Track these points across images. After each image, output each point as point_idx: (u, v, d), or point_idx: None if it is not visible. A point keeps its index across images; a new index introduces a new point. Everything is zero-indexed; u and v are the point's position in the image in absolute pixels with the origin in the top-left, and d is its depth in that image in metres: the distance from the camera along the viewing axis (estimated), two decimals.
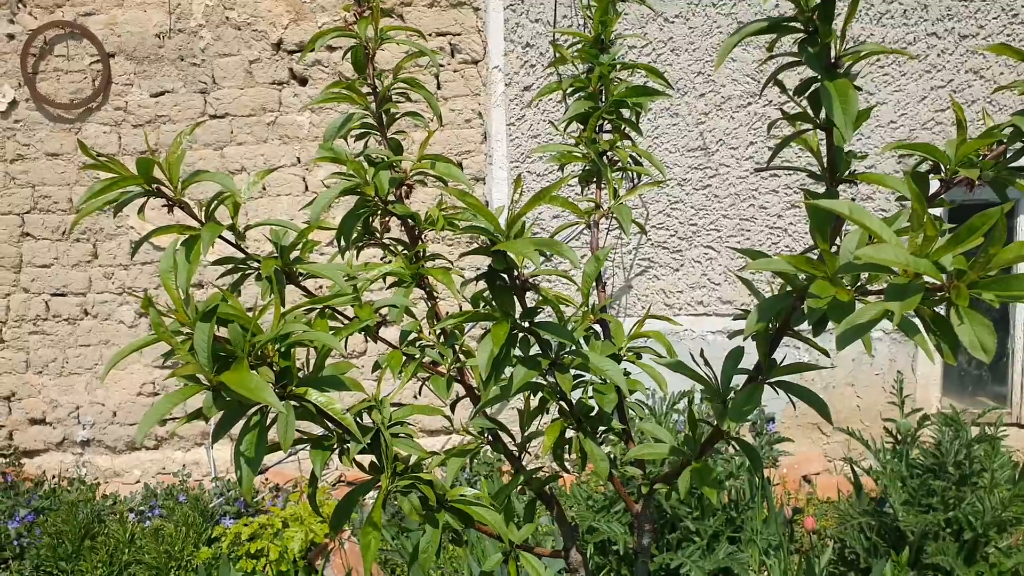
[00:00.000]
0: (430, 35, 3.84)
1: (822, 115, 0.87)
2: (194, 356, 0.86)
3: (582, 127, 1.52)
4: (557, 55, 1.55)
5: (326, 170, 3.93)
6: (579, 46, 1.54)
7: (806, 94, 0.90)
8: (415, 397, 3.72)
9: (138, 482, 4.18)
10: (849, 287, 0.78)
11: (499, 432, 1.35)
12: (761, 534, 2.82)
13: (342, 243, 1.34)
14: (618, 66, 1.52)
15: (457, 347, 1.37)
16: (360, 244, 1.42)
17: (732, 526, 2.83)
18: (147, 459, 4.20)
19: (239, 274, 1.17)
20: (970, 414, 2.99)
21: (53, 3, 3.90)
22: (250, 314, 0.97)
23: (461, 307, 1.43)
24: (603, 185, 1.50)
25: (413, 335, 1.35)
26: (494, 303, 1.15)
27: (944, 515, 2.51)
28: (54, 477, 4.14)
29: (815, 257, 0.90)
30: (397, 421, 1.13)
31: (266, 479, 3.95)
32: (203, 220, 1.11)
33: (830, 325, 0.80)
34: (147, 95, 3.93)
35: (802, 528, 2.88)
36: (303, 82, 3.90)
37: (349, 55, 1.42)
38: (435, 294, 1.41)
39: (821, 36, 0.77)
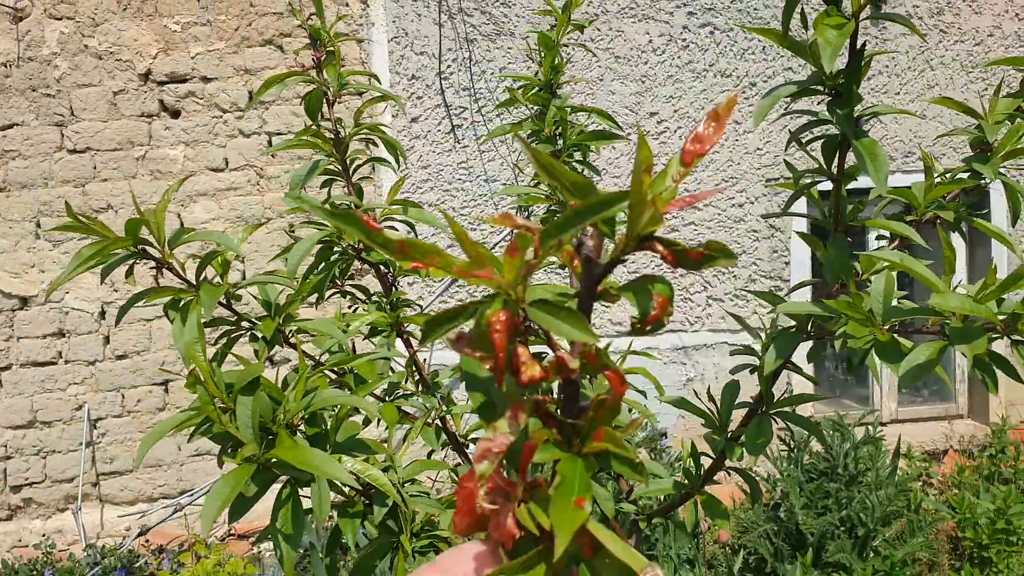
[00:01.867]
0: (300, 64, 3.74)
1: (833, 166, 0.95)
2: (238, 431, 0.80)
3: None
4: (509, 97, 1.58)
5: (202, 206, 3.73)
6: (533, 90, 1.57)
7: (794, 142, 0.98)
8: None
9: None
10: (884, 327, 0.85)
11: None
12: (673, 548, 2.93)
13: (315, 296, 1.29)
14: (568, 109, 1.56)
15: (439, 396, 1.34)
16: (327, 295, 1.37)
17: (647, 543, 2.93)
18: None
19: (230, 335, 1.10)
20: (839, 415, 3.26)
21: None
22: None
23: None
24: None
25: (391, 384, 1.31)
26: None
27: (839, 514, 2.73)
28: None
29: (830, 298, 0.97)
30: (409, 478, 1.10)
31: (147, 540, 3.65)
32: (192, 282, 1.03)
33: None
34: None
35: (715, 540, 3.02)
36: (175, 114, 3.69)
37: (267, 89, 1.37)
38: (412, 341, 1.38)
39: (848, 99, 0.85)
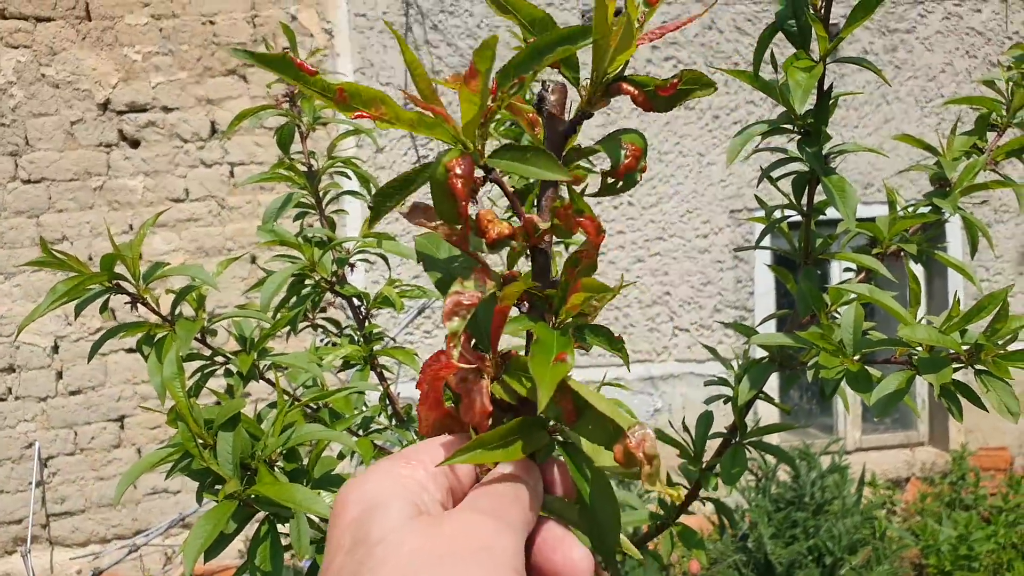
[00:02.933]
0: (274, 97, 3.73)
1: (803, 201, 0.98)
2: (219, 467, 0.79)
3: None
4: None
5: (162, 237, 3.67)
6: (505, 124, 1.59)
7: (772, 179, 1.01)
8: None
9: None
10: (854, 357, 0.87)
11: None
12: None
13: (287, 329, 1.28)
14: None
15: (413, 430, 1.34)
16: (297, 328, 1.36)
17: None
18: None
19: (204, 370, 1.08)
20: (805, 444, 3.31)
21: None
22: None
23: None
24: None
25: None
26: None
27: (806, 543, 2.76)
28: None
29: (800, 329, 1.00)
30: None
31: None
32: (166, 317, 1.02)
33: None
34: None
35: (683, 572, 3.03)
36: (135, 144, 3.64)
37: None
38: (385, 375, 1.37)
39: (816, 137, 0.88)
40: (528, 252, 0.38)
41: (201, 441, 0.83)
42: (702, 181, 3.95)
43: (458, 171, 0.34)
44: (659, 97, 0.38)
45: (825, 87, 0.88)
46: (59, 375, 3.61)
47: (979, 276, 4.21)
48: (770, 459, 3.10)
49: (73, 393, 3.62)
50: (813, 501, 2.76)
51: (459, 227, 0.36)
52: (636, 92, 0.38)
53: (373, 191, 1.45)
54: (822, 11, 0.81)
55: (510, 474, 0.38)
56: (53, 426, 3.62)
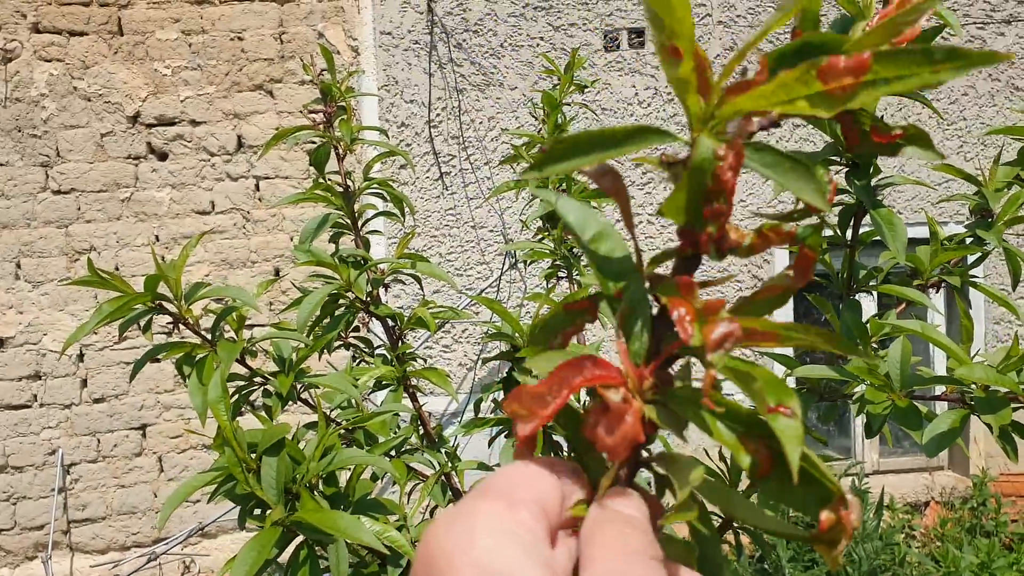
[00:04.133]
0: (301, 112, 3.77)
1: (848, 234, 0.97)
2: (263, 492, 0.79)
3: (548, 224, 1.56)
4: (512, 153, 1.60)
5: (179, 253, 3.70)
6: (535, 147, 1.59)
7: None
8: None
9: None
10: (902, 393, 0.87)
11: None
12: None
13: (323, 349, 1.28)
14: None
15: (445, 451, 1.33)
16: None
17: None
18: None
19: (242, 391, 1.09)
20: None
21: None
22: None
23: (457, 407, 1.40)
24: (574, 278, 1.54)
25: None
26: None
27: (825, 568, 2.72)
28: None
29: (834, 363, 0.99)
30: (420, 538, 1.08)
31: None
32: (207, 337, 1.03)
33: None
34: None
35: None
36: (163, 157, 3.68)
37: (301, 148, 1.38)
38: (417, 395, 1.38)
39: (866, 170, 0.88)
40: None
41: (245, 465, 0.83)
42: None
43: (731, 160, 0.30)
44: (870, 139, 0.35)
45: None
46: (84, 383, 3.64)
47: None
48: None
49: (97, 401, 3.64)
50: None
51: (699, 227, 0.30)
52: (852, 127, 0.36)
53: (406, 211, 1.46)
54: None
55: (631, 517, 0.32)
56: (76, 433, 3.65)
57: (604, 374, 0.31)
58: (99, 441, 3.65)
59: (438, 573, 0.29)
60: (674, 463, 0.33)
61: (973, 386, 0.78)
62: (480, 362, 3.76)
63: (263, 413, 1.11)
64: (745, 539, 3.47)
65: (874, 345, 1.05)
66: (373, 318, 1.34)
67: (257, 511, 0.86)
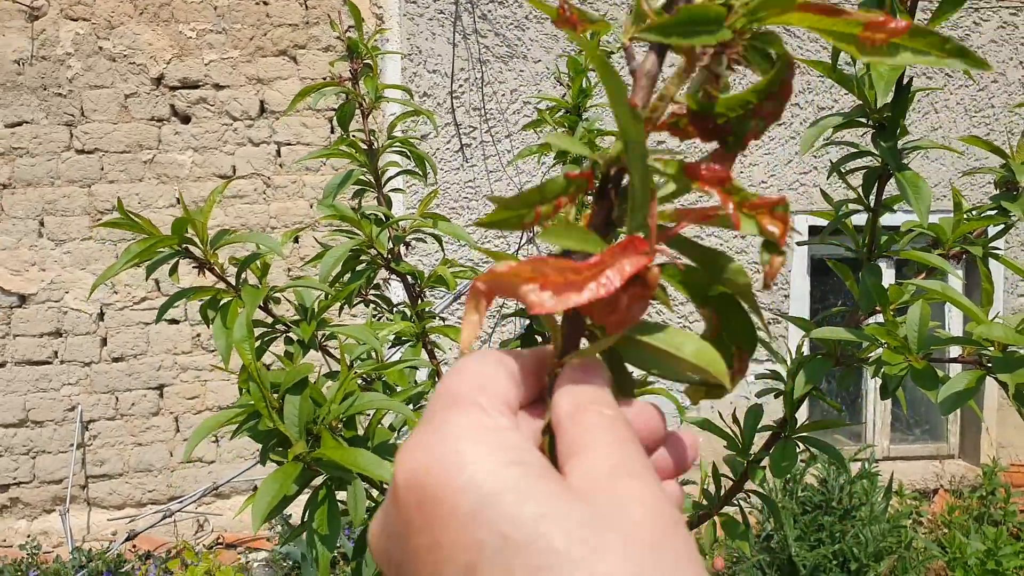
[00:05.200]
0: (324, 79, 3.77)
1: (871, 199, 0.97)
2: (286, 429, 0.81)
3: None
4: (537, 118, 1.60)
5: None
6: (560, 112, 1.59)
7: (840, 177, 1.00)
8: None
9: None
10: (919, 355, 0.87)
11: None
12: None
13: (344, 304, 1.30)
14: (596, 131, 1.59)
15: None
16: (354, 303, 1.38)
17: None
18: None
19: (264, 338, 1.11)
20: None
21: None
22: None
23: None
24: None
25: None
26: None
27: (832, 548, 2.74)
28: None
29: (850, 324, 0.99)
30: None
31: (134, 546, 3.61)
32: (232, 283, 1.04)
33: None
34: (1, 125, 3.57)
35: (709, 568, 3.02)
36: (186, 120, 3.70)
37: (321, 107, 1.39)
38: (435, 352, 1.39)
39: (893, 131, 0.87)
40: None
41: (268, 403, 0.85)
42: (743, 181, 3.92)
43: None
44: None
45: (904, 81, 0.87)
46: (103, 342, 3.70)
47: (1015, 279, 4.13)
48: (802, 460, 3.07)
49: (116, 360, 3.70)
50: (840, 506, 2.74)
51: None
52: None
53: (432, 172, 1.46)
54: (909, 2, 0.80)
55: (604, 398, 0.32)
56: (95, 391, 3.71)
57: (643, 253, 0.31)
58: (117, 399, 3.71)
59: (432, 501, 0.28)
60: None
61: (991, 348, 0.78)
62: (496, 329, 3.78)
63: (288, 360, 1.13)
64: (752, 519, 3.49)
65: (893, 312, 1.05)
66: (394, 275, 1.35)
67: (279, 449, 0.88)
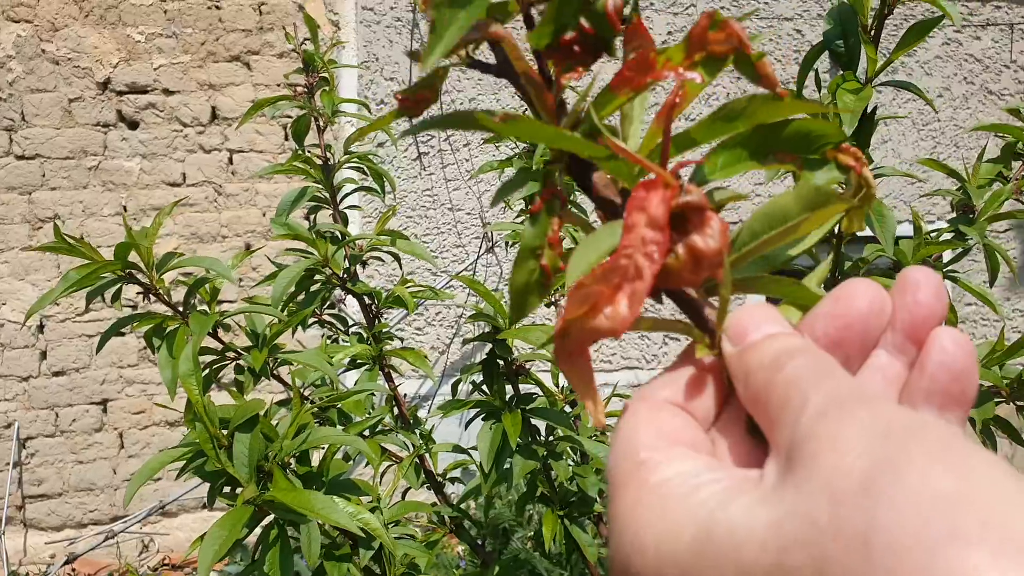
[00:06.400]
0: (279, 86, 3.70)
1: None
2: (235, 470, 0.77)
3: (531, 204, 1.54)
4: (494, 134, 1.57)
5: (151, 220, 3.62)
6: None
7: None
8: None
9: None
10: None
11: (464, 520, 1.31)
12: None
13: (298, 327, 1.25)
14: None
15: (419, 433, 1.31)
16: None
17: None
18: None
19: (213, 366, 1.05)
20: None
21: None
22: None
23: (432, 386, 1.38)
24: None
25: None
26: (486, 389, 1.13)
27: None
28: None
29: None
30: (394, 520, 1.06)
31: (74, 569, 3.47)
32: (179, 309, 0.99)
33: None
34: None
35: None
36: (133, 126, 3.59)
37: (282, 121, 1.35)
38: (393, 376, 1.35)
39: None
40: None
41: (216, 441, 0.80)
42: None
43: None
44: None
45: (869, 110, 0.86)
46: (43, 355, 3.56)
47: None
48: None
49: (57, 374, 3.56)
50: None
51: None
52: None
53: (391, 188, 1.42)
54: (872, 32, 0.79)
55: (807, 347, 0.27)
56: (34, 407, 3.56)
57: (661, 187, 0.28)
58: (57, 415, 3.57)
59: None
60: None
61: None
62: (453, 344, 3.74)
63: (235, 389, 1.08)
64: None
65: None
66: (350, 295, 1.31)
67: (228, 489, 0.83)
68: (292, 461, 0.90)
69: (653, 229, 0.26)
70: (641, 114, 0.34)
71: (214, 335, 1.04)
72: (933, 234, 1.16)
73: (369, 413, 1.25)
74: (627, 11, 0.31)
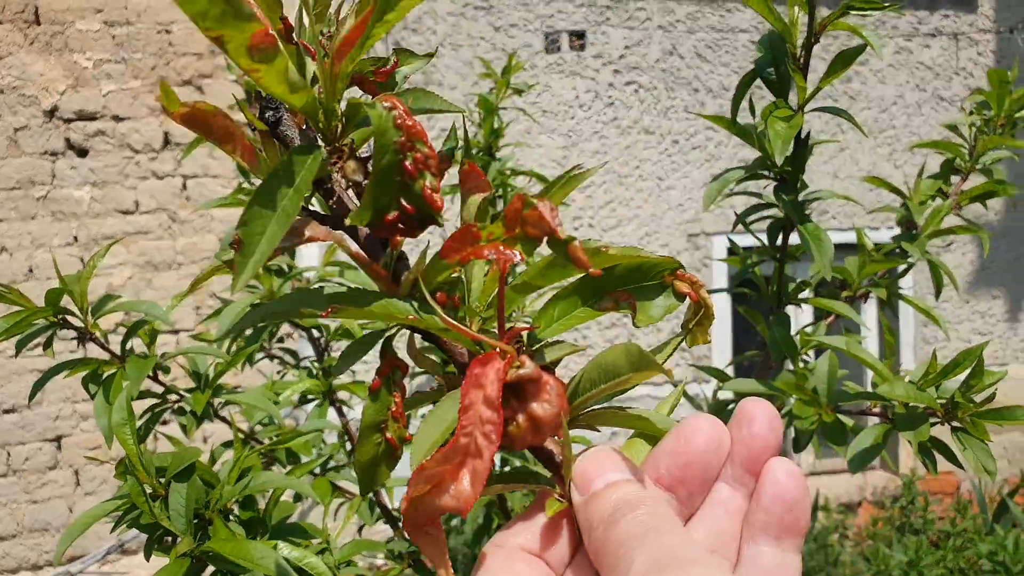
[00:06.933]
0: (230, 108, 3.65)
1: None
2: (171, 522, 0.74)
3: None
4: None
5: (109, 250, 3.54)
6: (472, 151, 1.56)
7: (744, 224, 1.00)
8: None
9: None
10: (829, 408, 0.87)
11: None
12: None
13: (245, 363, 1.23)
14: (508, 172, 1.57)
15: None
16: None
17: None
18: None
19: (155, 409, 1.03)
20: None
21: None
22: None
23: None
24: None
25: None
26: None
27: None
28: None
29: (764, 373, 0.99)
30: (345, 560, 1.04)
31: None
32: (116, 354, 0.96)
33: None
34: None
35: None
36: (82, 153, 3.52)
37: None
38: (344, 410, 1.33)
39: (793, 185, 0.87)
40: None
41: (151, 492, 0.78)
42: (661, 205, 3.99)
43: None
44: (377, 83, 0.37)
45: (802, 136, 0.87)
46: None
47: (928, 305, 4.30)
48: None
49: (7, 412, 3.46)
50: None
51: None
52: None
53: None
54: (801, 61, 0.80)
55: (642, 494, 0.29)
56: None
57: (495, 359, 0.29)
58: (9, 454, 3.46)
59: None
60: None
61: (895, 403, 0.78)
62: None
63: (180, 431, 1.05)
64: None
65: (805, 357, 1.05)
66: (298, 329, 1.29)
67: (169, 539, 0.81)
68: (235, 507, 0.88)
69: (489, 408, 0.27)
70: (480, 273, 0.35)
71: (154, 378, 1.01)
72: (879, 249, 1.18)
73: (319, 450, 1.23)
74: (459, 155, 0.32)
